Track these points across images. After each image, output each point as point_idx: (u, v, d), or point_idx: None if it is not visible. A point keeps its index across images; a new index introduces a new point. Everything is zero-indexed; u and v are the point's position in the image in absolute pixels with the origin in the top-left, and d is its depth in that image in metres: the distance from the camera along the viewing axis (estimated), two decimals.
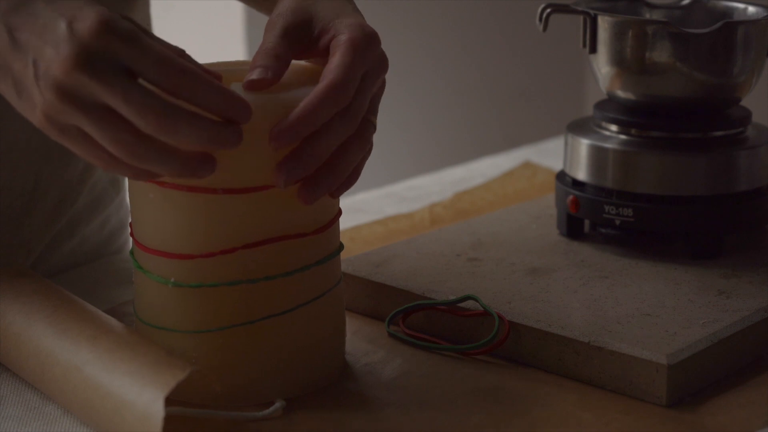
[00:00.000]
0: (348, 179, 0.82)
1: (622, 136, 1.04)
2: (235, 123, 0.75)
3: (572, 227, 1.07)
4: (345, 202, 0.88)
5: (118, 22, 0.72)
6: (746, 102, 1.08)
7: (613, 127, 1.05)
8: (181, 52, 0.76)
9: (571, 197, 1.05)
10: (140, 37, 0.73)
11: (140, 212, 0.83)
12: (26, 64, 0.73)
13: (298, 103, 0.79)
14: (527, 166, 1.37)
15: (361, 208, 1.25)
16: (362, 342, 0.93)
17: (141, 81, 0.73)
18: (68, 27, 0.72)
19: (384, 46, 0.84)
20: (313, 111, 0.77)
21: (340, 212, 0.87)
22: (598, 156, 1.04)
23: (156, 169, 0.75)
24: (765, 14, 1.05)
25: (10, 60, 0.74)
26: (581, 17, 1.05)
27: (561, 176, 1.09)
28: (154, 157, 0.74)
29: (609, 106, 1.07)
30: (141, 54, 0.72)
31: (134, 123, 0.73)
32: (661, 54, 1.01)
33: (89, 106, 0.73)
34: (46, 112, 0.73)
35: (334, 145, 0.79)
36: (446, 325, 0.94)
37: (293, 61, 0.86)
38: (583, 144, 1.05)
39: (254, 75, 0.80)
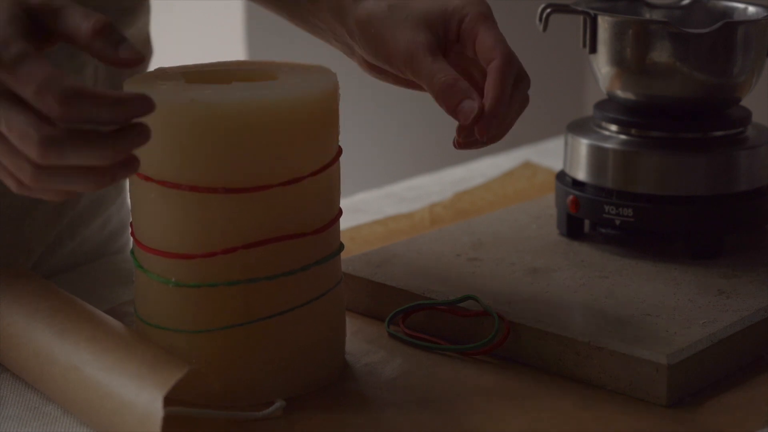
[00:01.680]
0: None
1: (622, 136, 1.04)
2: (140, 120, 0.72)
3: (572, 227, 1.07)
4: (345, 202, 0.88)
5: (4, 47, 0.70)
6: (746, 102, 1.08)
7: (613, 127, 1.05)
8: (103, 22, 0.72)
9: (571, 197, 1.05)
10: (25, 62, 0.69)
11: (141, 212, 0.84)
12: None
13: (294, 100, 0.80)
14: (527, 166, 1.37)
15: (361, 208, 1.25)
16: (362, 342, 0.93)
17: None
18: None
19: None
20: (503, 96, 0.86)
21: (340, 212, 0.87)
22: (598, 156, 1.04)
23: (68, 189, 0.72)
24: (765, 14, 1.05)
25: None
26: (581, 17, 1.05)
27: (561, 176, 1.09)
28: (59, 180, 0.71)
29: (609, 106, 1.07)
30: (23, 82, 0.69)
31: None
32: (661, 54, 1.01)
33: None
34: None
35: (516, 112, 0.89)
36: (446, 325, 0.94)
37: (277, 61, 0.87)
38: (583, 144, 1.05)
39: (467, 114, 0.85)
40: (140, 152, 0.82)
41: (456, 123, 0.87)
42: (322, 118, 0.83)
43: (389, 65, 0.90)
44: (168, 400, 0.74)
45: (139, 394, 0.75)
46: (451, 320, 0.93)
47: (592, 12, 1.04)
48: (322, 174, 0.83)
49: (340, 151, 0.86)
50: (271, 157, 0.80)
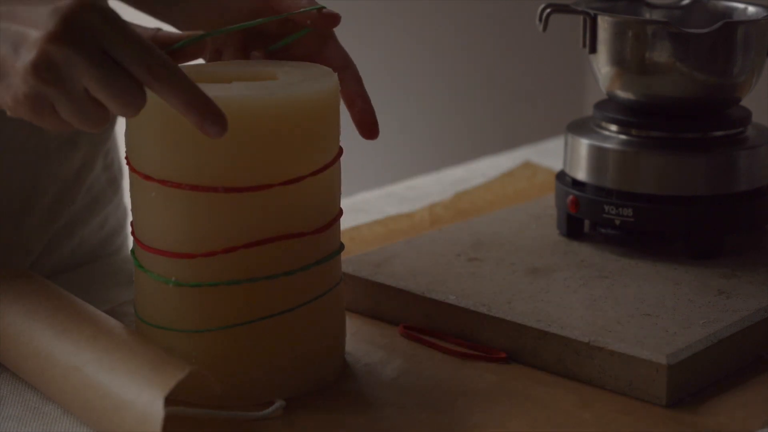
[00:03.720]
0: None
1: (622, 136, 1.04)
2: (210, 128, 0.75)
3: (572, 227, 1.07)
4: (345, 202, 0.88)
5: (99, 1, 0.73)
6: (746, 102, 1.08)
7: (613, 127, 1.05)
8: (155, 31, 0.77)
9: (571, 197, 1.05)
10: (121, 19, 0.74)
11: (141, 211, 0.83)
12: (6, 48, 0.74)
13: (294, 99, 0.80)
14: (527, 166, 1.37)
15: (361, 208, 1.25)
16: (362, 342, 0.93)
17: None
18: (52, 7, 0.73)
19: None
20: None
21: (340, 212, 0.87)
22: (598, 156, 1.04)
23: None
24: (765, 14, 1.05)
25: None
26: (581, 17, 1.05)
27: (561, 176, 1.09)
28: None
29: (609, 106, 1.07)
30: (122, 38, 0.73)
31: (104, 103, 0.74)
32: (661, 54, 1.01)
33: (71, 89, 0.73)
34: (24, 93, 0.74)
35: None
36: (446, 326, 0.94)
37: (277, 60, 0.88)
38: (583, 144, 1.05)
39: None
40: (141, 152, 0.82)
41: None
42: (322, 117, 0.83)
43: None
44: (167, 400, 0.74)
45: (140, 394, 0.75)
46: (451, 320, 0.93)
47: (592, 12, 1.04)
48: (323, 174, 0.83)
49: (340, 151, 0.86)
50: (271, 156, 0.80)
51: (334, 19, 0.88)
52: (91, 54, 0.72)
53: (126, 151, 0.84)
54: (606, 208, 1.03)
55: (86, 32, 0.72)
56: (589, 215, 1.05)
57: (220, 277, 0.81)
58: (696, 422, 0.82)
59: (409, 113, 2.62)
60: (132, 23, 0.76)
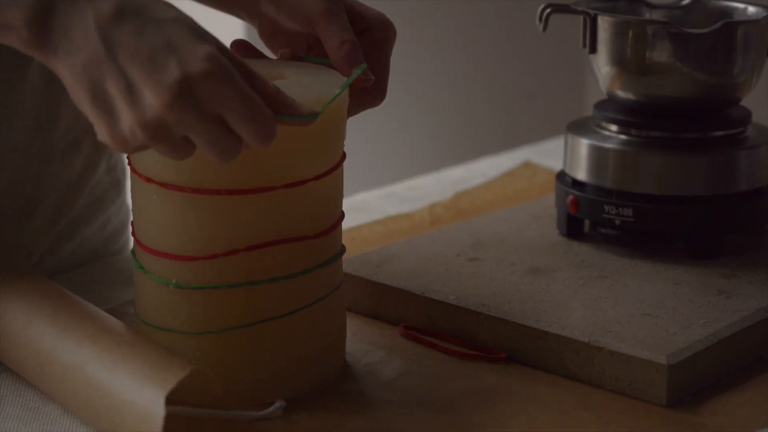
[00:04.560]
0: None
1: (622, 136, 1.04)
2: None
3: (572, 227, 1.07)
4: (346, 202, 0.88)
5: (225, 66, 0.73)
6: (746, 102, 1.08)
7: (613, 127, 1.05)
8: (276, 92, 0.77)
9: (571, 197, 1.05)
10: (240, 80, 0.74)
11: (143, 213, 0.83)
12: (119, 86, 0.73)
13: (303, 101, 0.79)
14: (527, 166, 1.37)
15: (361, 208, 1.25)
16: (362, 342, 0.93)
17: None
18: (179, 67, 0.72)
19: None
20: None
21: (342, 215, 0.86)
22: (598, 156, 1.04)
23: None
24: (765, 14, 1.05)
25: (98, 72, 0.73)
26: (581, 17, 1.05)
27: (561, 176, 1.09)
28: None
29: (609, 106, 1.07)
30: (238, 106, 0.73)
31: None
32: (661, 54, 1.01)
33: (174, 140, 0.74)
34: (125, 139, 0.74)
35: None
36: (446, 326, 0.94)
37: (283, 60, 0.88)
38: (583, 144, 1.05)
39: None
40: (143, 154, 0.82)
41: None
42: (329, 120, 0.83)
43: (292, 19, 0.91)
44: (168, 400, 0.74)
45: (141, 393, 0.75)
46: (451, 320, 0.93)
47: (592, 12, 1.04)
48: (326, 177, 0.83)
49: (343, 156, 0.85)
50: (274, 159, 0.80)
51: (369, 81, 0.87)
52: (203, 119, 0.73)
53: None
54: (606, 208, 1.03)
55: (205, 99, 0.73)
56: (589, 215, 1.05)
57: (221, 279, 0.81)
58: (696, 422, 0.82)
59: (409, 113, 2.62)
60: (256, 73, 0.76)
